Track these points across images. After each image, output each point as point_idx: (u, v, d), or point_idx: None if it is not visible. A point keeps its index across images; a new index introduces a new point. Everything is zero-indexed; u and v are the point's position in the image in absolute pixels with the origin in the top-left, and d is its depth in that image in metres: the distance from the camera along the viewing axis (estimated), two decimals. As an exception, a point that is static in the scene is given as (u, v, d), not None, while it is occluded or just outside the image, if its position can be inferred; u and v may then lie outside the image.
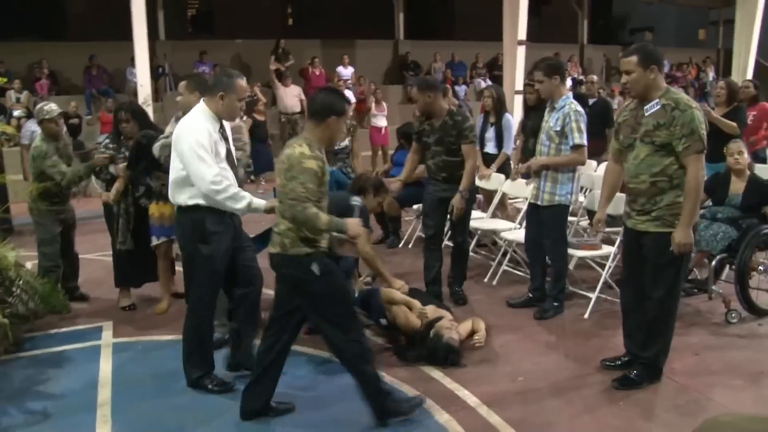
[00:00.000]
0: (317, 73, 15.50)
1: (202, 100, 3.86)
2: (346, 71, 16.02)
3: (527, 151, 6.31)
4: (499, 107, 6.93)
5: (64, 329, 5.17)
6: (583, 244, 5.41)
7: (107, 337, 4.98)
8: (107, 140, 5.61)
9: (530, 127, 6.27)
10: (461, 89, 16.51)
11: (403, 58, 17.73)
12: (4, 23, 16.07)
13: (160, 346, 4.81)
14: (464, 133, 5.11)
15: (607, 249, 5.37)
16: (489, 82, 16.44)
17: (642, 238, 3.83)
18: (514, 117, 7.62)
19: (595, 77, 9.46)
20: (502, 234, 6.14)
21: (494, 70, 17.41)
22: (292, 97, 13.95)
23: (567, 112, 4.85)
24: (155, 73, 13.11)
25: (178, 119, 4.44)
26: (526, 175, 6.16)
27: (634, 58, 3.68)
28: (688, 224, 3.62)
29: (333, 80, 15.49)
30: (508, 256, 6.22)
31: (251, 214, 3.93)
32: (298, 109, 13.86)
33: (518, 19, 13.72)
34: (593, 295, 5.23)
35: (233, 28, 18.23)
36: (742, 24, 16.68)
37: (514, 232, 6.04)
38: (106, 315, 5.45)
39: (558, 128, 4.87)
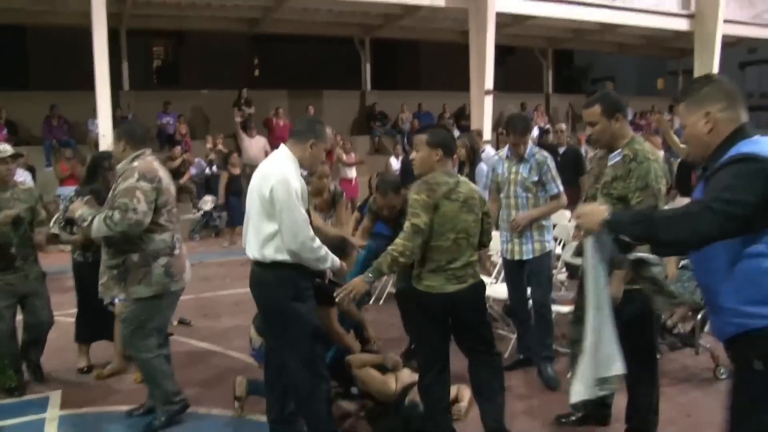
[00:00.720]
0: (281, 123, 15.33)
1: (286, 146, 3.60)
2: (312, 122, 15.86)
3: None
4: (473, 156, 6.76)
5: (7, 400, 4.73)
6: (563, 299, 5.19)
7: (53, 410, 4.55)
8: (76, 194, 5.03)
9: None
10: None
11: (371, 109, 17.68)
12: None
13: (112, 419, 4.41)
14: None
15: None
16: (457, 132, 16.42)
17: None
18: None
19: (563, 126, 9.41)
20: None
21: (461, 119, 17.43)
22: (257, 148, 13.75)
23: (541, 161, 4.75)
24: (118, 124, 12.76)
25: None
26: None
27: (597, 108, 3.53)
28: (622, 280, 3.31)
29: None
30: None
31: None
32: (262, 160, 13.62)
33: (485, 69, 13.89)
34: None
35: (199, 79, 18.08)
36: (701, 73, 17.00)
37: (493, 287, 5.78)
38: (57, 381, 5.06)
39: (535, 178, 4.74)
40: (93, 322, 5.21)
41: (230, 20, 16.02)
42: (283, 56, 20.81)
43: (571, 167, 7.74)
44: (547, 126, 17.07)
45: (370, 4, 14.21)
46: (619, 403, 3.80)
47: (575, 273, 5.53)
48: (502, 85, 14.81)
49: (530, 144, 4.91)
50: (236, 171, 11.93)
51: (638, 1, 16.27)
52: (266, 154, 13.49)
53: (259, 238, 3.49)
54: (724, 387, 4.49)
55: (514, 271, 4.96)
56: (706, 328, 4.90)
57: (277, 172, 3.46)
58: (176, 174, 13.16)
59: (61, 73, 16.32)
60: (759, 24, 18.49)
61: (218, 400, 4.58)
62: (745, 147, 2.20)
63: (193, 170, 13.79)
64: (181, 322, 6.45)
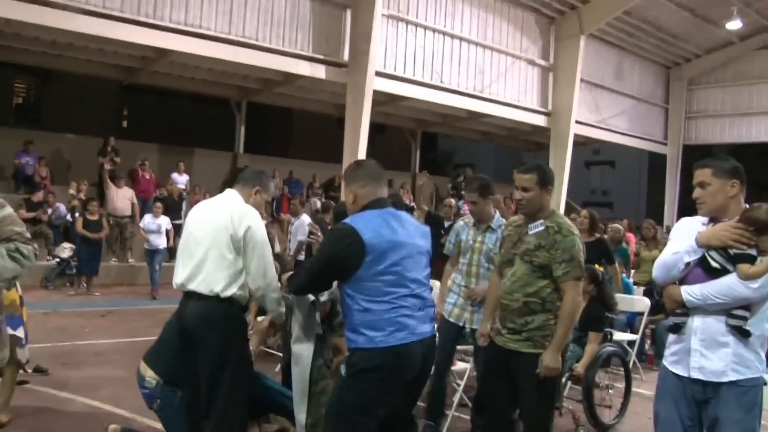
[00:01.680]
0: (147, 176, 14.96)
1: (231, 190, 3.78)
2: (181, 178, 15.63)
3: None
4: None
5: None
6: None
7: None
8: None
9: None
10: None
11: (242, 171, 17.61)
12: None
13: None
14: None
15: (461, 365, 5.36)
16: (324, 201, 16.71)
17: (511, 357, 3.69)
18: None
19: (452, 201, 9.96)
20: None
21: (330, 190, 17.77)
22: (123, 199, 13.32)
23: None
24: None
25: None
26: None
27: (533, 176, 3.66)
28: (558, 348, 3.55)
29: (166, 185, 15.04)
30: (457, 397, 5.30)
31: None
32: (128, 212, 13.22)
33: (359, 142, 14.32)
34: (449, 412, 5.14)
35: (62, 122, 17.34)
36: (555, 166, 18.50)
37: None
38: None
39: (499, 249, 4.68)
40: None
41: (105, 66, 15.60)
42: (155, 109, 20.47)
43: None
44: (412, 204, 17.73)
45: (251, 68, 14.38)
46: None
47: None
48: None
49: (497, 215, 4.85)
50: (93, 218, 11.47)
51: (503, 94, 17.58)
52: (133, 206, 13.14)
53: (219, 274, 3.52)
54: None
55: (451, 332, 4.82)
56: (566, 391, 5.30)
57: (252, 214, 3.64)
58: (33, 219, 12.46)
59: None
60: (603, 128, 20.52)
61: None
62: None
63: (52, 214, 13.08)
64: (37, 370, 6.05)
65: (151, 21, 12.09)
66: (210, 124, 20.27)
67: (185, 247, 3.68)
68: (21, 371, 5.87)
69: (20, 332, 4.76)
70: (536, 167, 3.73)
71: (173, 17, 12.35)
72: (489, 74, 17.22)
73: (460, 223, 5.08)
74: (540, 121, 18.72)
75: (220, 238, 3.55)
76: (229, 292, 3.51)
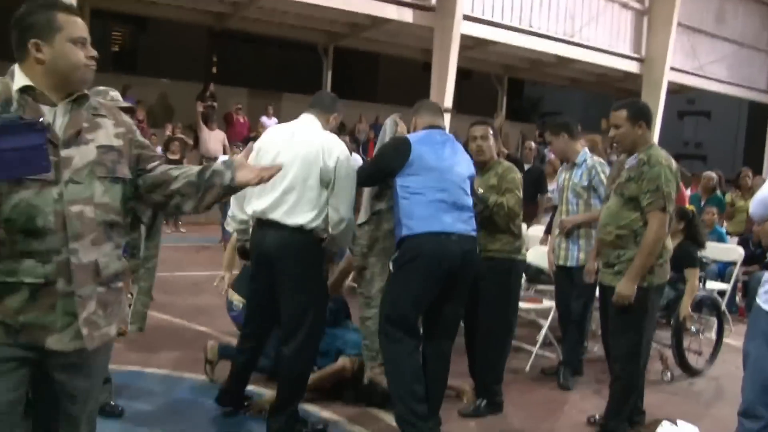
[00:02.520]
0: (241, 120, 15.39)
1: (309, 116, 3.71)
2: (270, 121, 15.95)
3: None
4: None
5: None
6: (525, 297, 5.43)
7: None
8: None
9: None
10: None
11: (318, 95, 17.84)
12: None
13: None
14: None
15: (547, 303, 5.43)
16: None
17: (607, 293, 3.75)
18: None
19: (533, 144, 9.84)
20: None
21: (416, 135, 17.78)
22: (216, 141, 13.76)
23: (591, 165, 4.77)
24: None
25: None
26: None
27: (623, 113, 3.66)
28: (634, 278, 3.55)
29: (257, 129, 15.40)
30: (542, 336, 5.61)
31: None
32: (220, 153, 13.63)
33: (446, 88, 14.24)
34: (534, 350, 5.26)
35: (156, 69, 17.90)
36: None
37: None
38: None
39: (585, 183, 4.76)
40: None
41: (197, 12, 15.96)
42: (243, 55, 20.81)
43: (533, 185, 8.04)
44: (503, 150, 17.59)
45: (339, 12, 14.43)
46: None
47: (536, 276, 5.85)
48: (456, 106, 15.21)
49: (584, 150, 4.91)
50: (174, 157, 11.92)
51: (594, 39, 17.01)
52: (225, 148, 13.56)
53: (305, 206, 3.51)
54: (667, 389, 4.88)
55: (559, 277, 4.98)
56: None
57: (340, 146, 3.61)
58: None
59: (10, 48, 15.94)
60: (701, 75, 19.57)
61: (189, 365, 4.67)
62: None
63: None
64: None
65: (242, -34, 12.29)
66: (297, 68, 20.48)
67: None
68: (129, 295, 6.40)
69: None
70: (627, 103, 3.76)
71: (263, -39, 12.50)
72: (580, 18, 16.68)
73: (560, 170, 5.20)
74: (632, 67, 18.08)
75: (309, 169, 3.52)
76: (313, 224, 3.53)
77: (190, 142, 14.04)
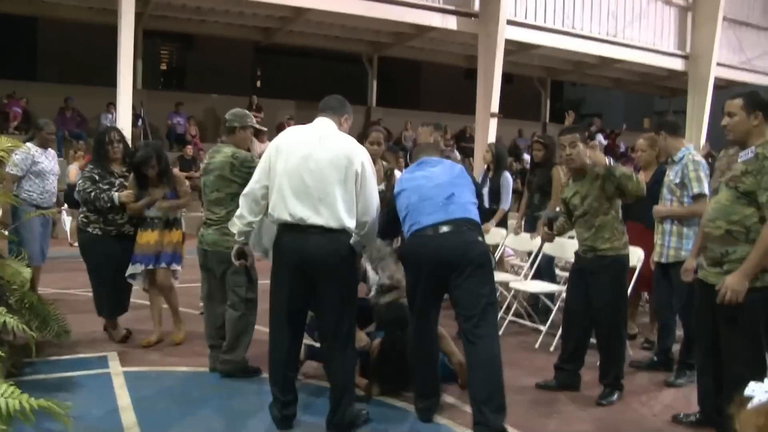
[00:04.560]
0: (291, 131, 15.69)
1: (326, 119, 3.77)
2: (319, 132, 16.22)
3: (532, 207, 6.52)
4: (498, 163, 7.03)
5: (66, 356, 4.99)
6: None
7: (115, 366, 4.83)
8: (92, 173, 5.38)
9: (536, 184, 6.49)
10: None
11: (375, 124, 18.04)
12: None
13: (176, 376, 4.70)
14: None
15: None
16: (457, 153, 16.92)
17: (712, 293, 3.48)
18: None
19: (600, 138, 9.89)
20: (511, 284, 6.16)
21: (461, 141, 17.90)
22: (266, 153, 14.04)
23: (685, 163, 4.74)
24: (133, 121, 13.02)
25: None
26: (531, 229, 6.37)
27: (738, 101, 3.54)
28: (746, 273, 3.34)
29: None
30: (513, 308, 6.19)
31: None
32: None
33: (492, 93, 14.33)
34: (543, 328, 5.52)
35: (204, 84, 18.37)
36: (693, 113, 17.72)
37: (523, 283, 6.17)
38: (106, 346, 5.31)
39: (678, 180, 4.76)
40: (115, 296, 5.47)
41: (243, 28, 16.37)
42: (287, 68, 21.19)
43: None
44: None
45: (384, 22, 14.65)
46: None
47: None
48: (499, 110, 15.29)
49: (685, 147, 4.88)
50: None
51: (637, 38, 16.93)
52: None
53: (343, 207, 3.57)
54: None
55: (656, 274, 5.00)
56: None
57: (361, 149, 3.70)
58: (188, 172, 13.47)
59: (71, 67, 16.53)
60: (749, 69, 19.28)
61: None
62: None
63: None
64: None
65: (289, -20, 12.60)
66: (342, 79, 20.69)
67: (298, 180, 3.57)
68: (202, 304, 6.65)
69: (180, 268, 5.50)
70: (743, 93, 3.60)
71: (312, -25, 12.79)
72: (622, 17, 16.61)
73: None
74: (677, 64, 17.91)
75: (342, 172, 3.56)
76: (352, 224, 3.60)
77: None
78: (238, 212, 3.79)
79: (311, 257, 3.54)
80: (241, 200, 3.78)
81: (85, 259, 5.45)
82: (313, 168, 3.55)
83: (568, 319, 4.61)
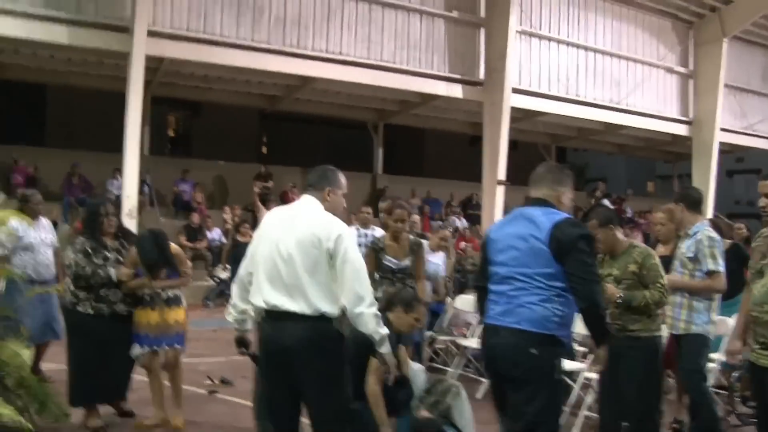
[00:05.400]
0: (296, 198, 15.64)
1: (308, 196, 3.52)
2: (324, 199, 16.18)
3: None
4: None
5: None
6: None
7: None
8: (84, 245, 5.05)
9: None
10: (436, 225, 16.77)
11: (381, 192, 18.07)
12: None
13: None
14: None
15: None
16: (464, 221, 16.89)
17: (765, 375, 3.44)
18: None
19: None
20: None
21: (468, 208, 17.86)
22: (273, 220, 13.94)
23: (700, 238, 4.63)
24: (139, 187, 13.00)
25: None
26: None
27: None
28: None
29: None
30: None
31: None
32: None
33: (498, 160, 14.37)
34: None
35: (211, 151, 18.45)
36: (698, 177, 17.72)
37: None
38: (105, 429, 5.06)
39: (691, 254, 4.64)
40: (96, 382, 5.03)
41: (250, 96, 16.53)
42: (292, 135, 21.35)
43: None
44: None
45: (390, 91, 14.80)
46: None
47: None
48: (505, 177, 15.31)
49: (701, 222, 4.80)
50: (245, 239, 12.09)
51: (641, 105, 17.08)
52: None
53: (320, 292, 3.31)
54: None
55: (674, 346, 4.75)
56: None
57: (336, 225, 3.39)
58: (194, 240, 13.36)
59: (79, 132, 16.65)
60: (751, 134, 19.40)
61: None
62: None
63: (210, 237, 13.97)
64: (224, 381, 6.50)
65: (295, 51, 12.79)
66: (347, 146, 20.88)
67: (270, 265, 3.38)
68: (209, 381, 6.43)
69: (184, 348, 5.29)
70: None
71: (316, 46, 13.02)
72: (626, 85, 16.83)
73: None
74: (681, 130, 18.04)
75: (308, 255, 3.31)
76: (332, 309, 3.32)
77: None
78: (231, 300, 3.65)
79: (286, 346, 3.31)
80: (233, 288, 3.64)
81: (71, 341, 5.09)
82: (283, 252, 3.35)
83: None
